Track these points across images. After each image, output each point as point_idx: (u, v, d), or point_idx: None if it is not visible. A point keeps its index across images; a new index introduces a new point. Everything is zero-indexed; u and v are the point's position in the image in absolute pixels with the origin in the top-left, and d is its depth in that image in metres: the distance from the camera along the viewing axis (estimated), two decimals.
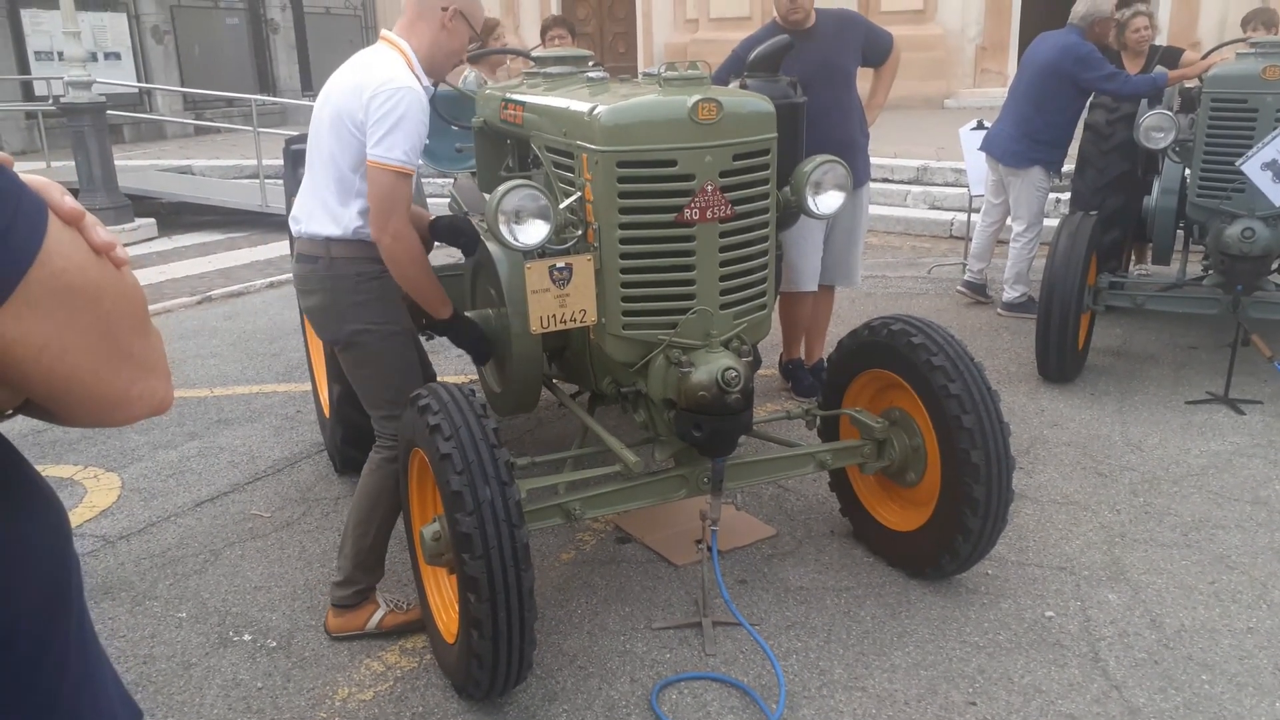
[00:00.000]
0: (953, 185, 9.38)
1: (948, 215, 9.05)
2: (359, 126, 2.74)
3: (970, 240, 6.93)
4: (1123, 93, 5.64)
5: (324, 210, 2.87)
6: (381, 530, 3.05)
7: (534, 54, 3.68)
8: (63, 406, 0.77)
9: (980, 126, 6.95)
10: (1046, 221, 6.28)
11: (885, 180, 9.77)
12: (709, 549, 2.89)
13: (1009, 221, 6.27)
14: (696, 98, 2.59)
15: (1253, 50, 4.92)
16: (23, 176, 0.73)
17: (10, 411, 0.80)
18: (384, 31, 2.92)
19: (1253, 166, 4.51)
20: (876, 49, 4.72)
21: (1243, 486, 3.89)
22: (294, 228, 3.00)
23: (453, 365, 5.50)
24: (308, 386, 4.99)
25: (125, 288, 0.78)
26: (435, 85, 2.95)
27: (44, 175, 0.77)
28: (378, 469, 3.02)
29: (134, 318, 0.79)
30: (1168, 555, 3.40)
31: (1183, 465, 4.10)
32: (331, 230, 2.86)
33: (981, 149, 6.41)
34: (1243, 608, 3.08)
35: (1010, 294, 6.27)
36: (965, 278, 6.71)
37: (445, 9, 2.83)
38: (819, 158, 3.02)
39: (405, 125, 2.68)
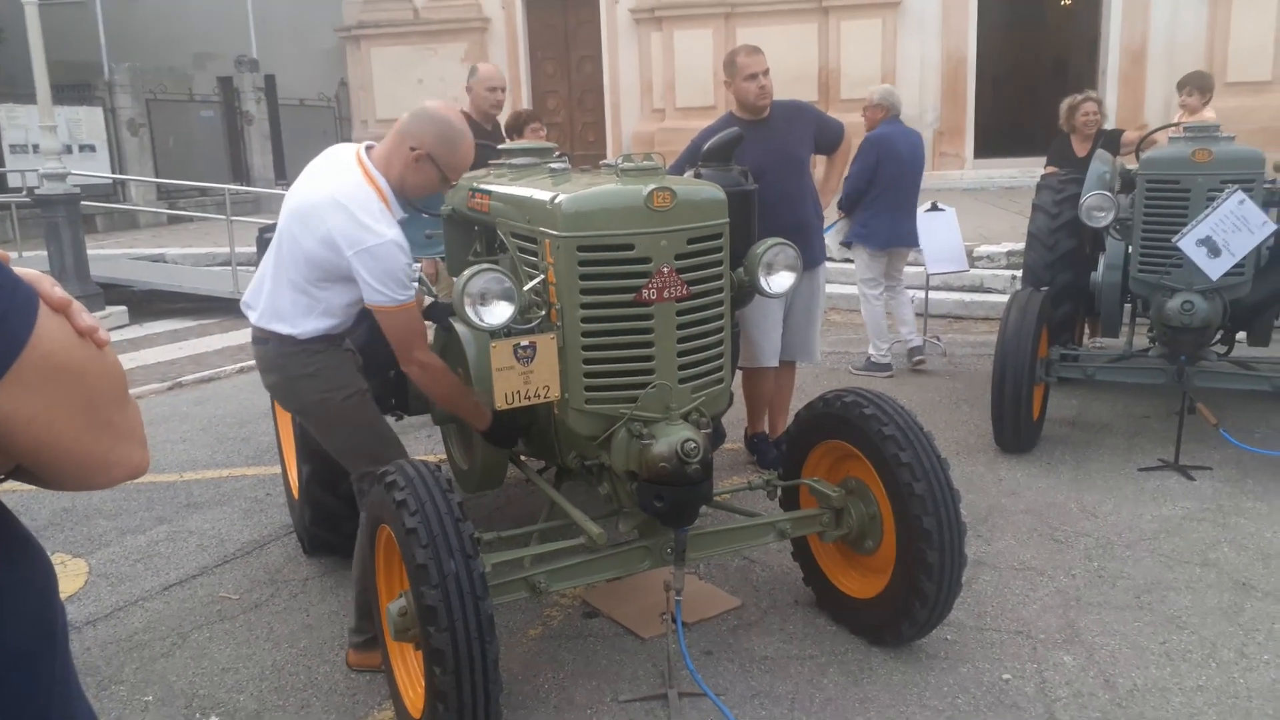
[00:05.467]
0: (911, 264, 9.61)
1: (907, 293, 9.26)
2: (338, 267, 2.86)
3: (901, 321, 7.37)
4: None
5: (279, 318, 3.02)
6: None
7: (500, 146, 3.86)
8: (48, 471, 0.86)
9: (935, 208, 7.24)
10: (998, 298, 6.52)
11: (846, 260, 10.01)
12: (673, 619, 2.95)
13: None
14: (652, 186, 2.75)
15: (1184, 135, 5.21)
16: (16, 270, 0.83)
17: (2, 476, 0.89)
18: (360, 154, 2.98)
19: (1188, 243, 4.75)
20: (828, 137, 4.96)
21: (1193, 549, 4.01)
22: (248, 314, 3.14)
23: (422, 445, 5.56)
24: (277, 469, 5.02)
25: (106, 365, 0.87)
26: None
27: (16, 265, 0.88)
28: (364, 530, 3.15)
29: (114, 392, 0.88)
30: (1121, 617, 3.49)
31: (1135, 530, 4.22)
32: (287, 331, 3.01)
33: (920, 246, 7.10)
34: (1192, 666, 3.17)
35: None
36: (873, 359, 7.03)
37: (413, 150, 2.92)
38: (770, 240, 3.19)
39: (394, 270, 2.83)
